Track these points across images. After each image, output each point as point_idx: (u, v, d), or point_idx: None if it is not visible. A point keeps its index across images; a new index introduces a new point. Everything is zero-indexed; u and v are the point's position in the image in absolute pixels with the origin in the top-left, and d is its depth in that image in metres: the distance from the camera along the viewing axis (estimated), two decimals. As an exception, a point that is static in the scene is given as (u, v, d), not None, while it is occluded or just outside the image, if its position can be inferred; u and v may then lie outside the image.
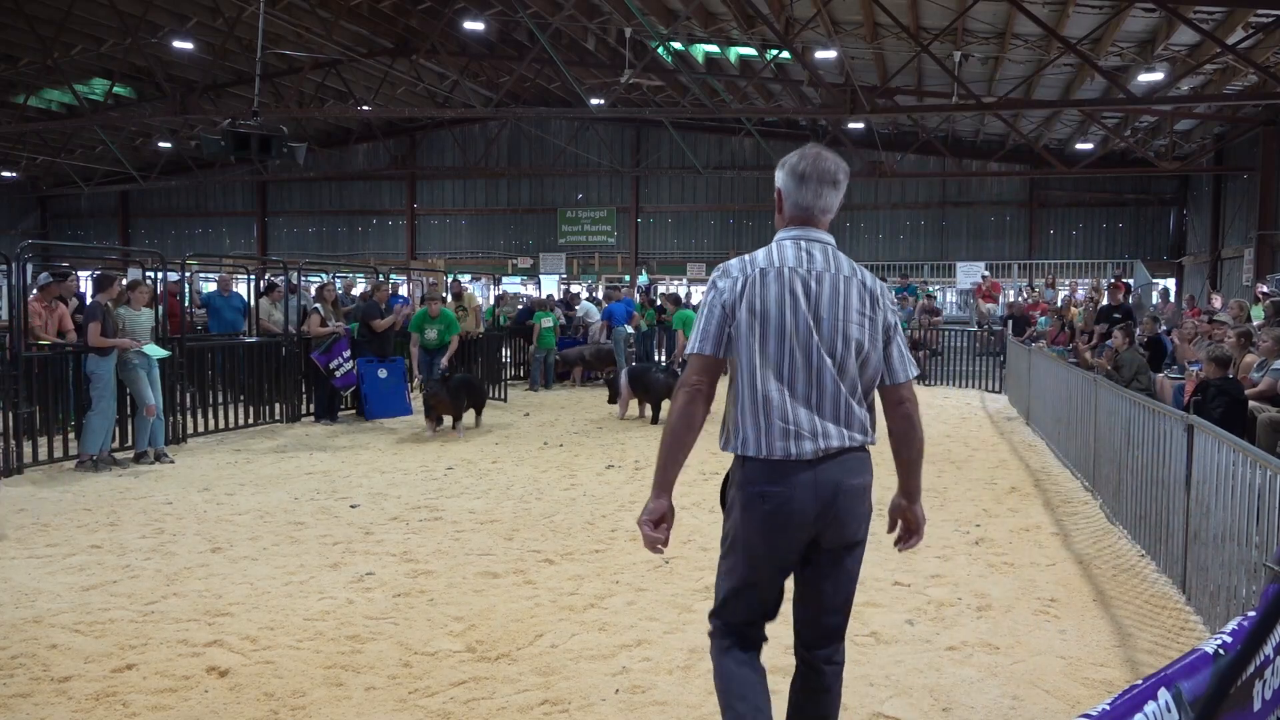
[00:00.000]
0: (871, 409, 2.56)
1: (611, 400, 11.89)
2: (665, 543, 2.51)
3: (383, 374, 10.70)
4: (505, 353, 14.98)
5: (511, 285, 27.55)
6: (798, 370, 2.43)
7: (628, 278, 26.79)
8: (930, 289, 20.53)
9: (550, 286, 27.77)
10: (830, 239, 2.56)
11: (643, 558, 5.31)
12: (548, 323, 14.95)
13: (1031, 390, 10.94)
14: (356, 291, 14.88)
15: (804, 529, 2.44)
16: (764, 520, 2.43)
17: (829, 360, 2.44)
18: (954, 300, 23.01)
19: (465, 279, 26.04)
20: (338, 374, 10.48)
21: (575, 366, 15.44)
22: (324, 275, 14.46)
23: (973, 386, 15.55)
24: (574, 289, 25.98)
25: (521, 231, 29.33)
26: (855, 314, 2.47)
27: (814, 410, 2.43)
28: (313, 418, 10.75)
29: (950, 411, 12.42)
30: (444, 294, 13.62)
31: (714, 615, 2.60)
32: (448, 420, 10.13)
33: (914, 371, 2.59)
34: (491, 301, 21.10)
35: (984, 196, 25.67)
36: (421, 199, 30.07)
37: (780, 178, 2.57)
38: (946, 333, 17.08)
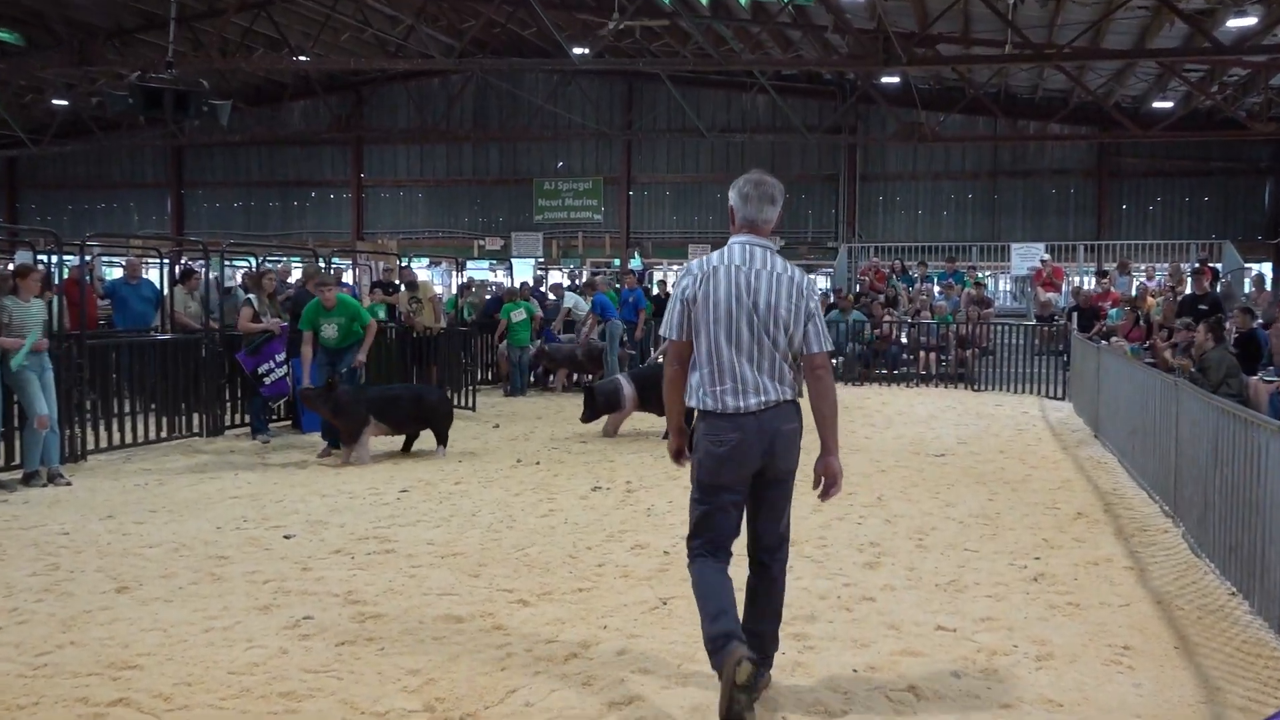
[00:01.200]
0: (796, 374, 3.91)
1: (586, 417, 10.87)
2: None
3: (323, 378, 10.67)
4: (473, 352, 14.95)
5: (478, 271, 27.53)
6: (743, 343, 3.79)
7: (617, 261, 26.79)
8: (979, 275, 20.57)
9: (524, 272, 27.79)
10: (771, 244, 3.94)
11: (635, 598, 5.31)
12: (519, 315, 14.85)
13: (1101, 396, 10.99)
14: (292, 279, 14.81)
15: (752, 463, 3.81)
16: (720, 459, 3.80)
17: (765, 335, 3.80)
18: (1008, 289, 23.08)
19: (422, 264, 26.04)
20: (267, 380, 10.40)
21: (562, 368, 15.39)
22: (251, 259, 14.38)
23: (1030, 392, 15.60)
24: (554, 276, 26.02)
25: (490, 207, 29.35)
26: (784, 302, 3.82)
27: (756, 371, 3.80)
28: (249, 429, 10.66)
29: (1004, 422, 12.47)
30: (336, 278, 12.96)
31: (689, 539, 3.95)
32: (405, 439, 9.88)
33: (828, 346, 3.91)
34: (454, 290, 21.08)
35: (1044, 165, 25.77)
36: (370, 167, 30.07)
37: (731, 197, 3.98)
38: (999, 328, 17.11)
